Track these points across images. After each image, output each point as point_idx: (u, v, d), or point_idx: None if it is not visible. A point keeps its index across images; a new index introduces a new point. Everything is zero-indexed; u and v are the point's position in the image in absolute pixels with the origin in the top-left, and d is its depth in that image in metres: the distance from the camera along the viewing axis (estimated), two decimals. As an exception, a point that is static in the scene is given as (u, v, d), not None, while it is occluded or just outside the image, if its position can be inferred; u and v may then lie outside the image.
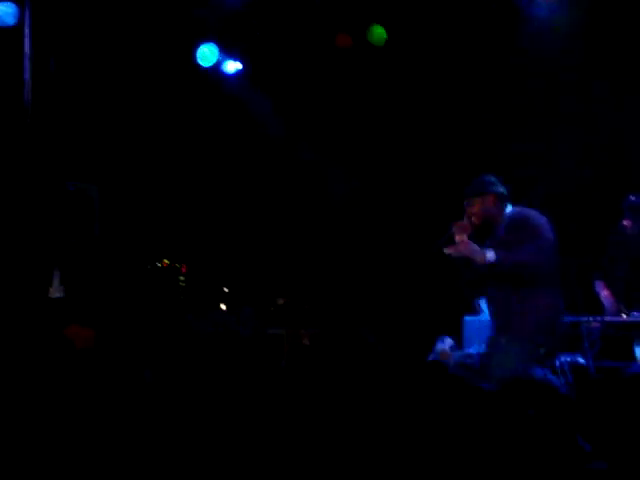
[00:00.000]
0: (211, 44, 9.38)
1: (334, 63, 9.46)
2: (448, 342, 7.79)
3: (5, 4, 8.83)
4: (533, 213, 5.86)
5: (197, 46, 9.38)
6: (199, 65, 9.47)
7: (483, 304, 7.79)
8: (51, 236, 8.39)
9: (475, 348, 7.61)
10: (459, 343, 7.81)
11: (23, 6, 8.79)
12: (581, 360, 7.17)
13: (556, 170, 8.15)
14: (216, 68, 9.61)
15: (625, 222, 7.11)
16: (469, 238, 5.83)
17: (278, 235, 9.92)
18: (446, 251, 5.89)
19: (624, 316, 7.04)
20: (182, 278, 9.26)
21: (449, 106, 9.25)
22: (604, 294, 7.56)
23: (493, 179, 6.09)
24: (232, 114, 9.86)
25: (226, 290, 9.50)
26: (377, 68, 9.41)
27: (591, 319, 6.70)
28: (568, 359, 7.19)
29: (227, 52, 9.52)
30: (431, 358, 7.80)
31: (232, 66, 9.63)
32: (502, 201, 5.98)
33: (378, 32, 9.11)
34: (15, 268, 8.36)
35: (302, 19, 9.09)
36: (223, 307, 9.31)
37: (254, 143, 10.01)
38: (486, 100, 8.92)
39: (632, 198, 6.90)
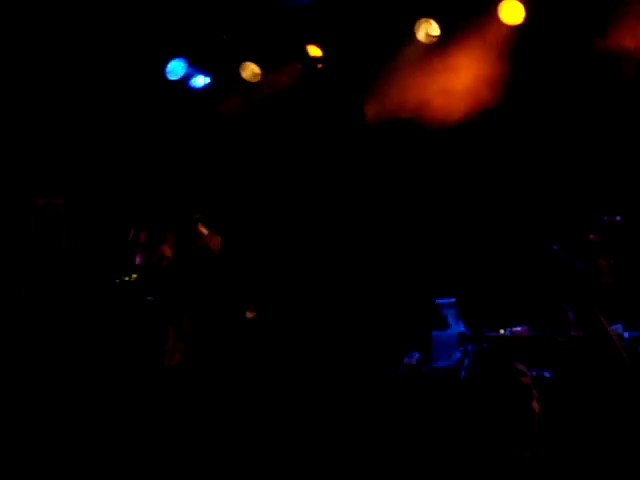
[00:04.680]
0: (179, 58, 9.40)
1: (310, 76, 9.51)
2: (415, 356, 7.84)
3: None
4: None
5: (167, 60, 9.39)
6: (167, 78, 9.47)
7: (451, 318, 7.85)
8: (18, 250, 8.34)
9: (442, 362, 7.66)
10: (427, 357, 7.85)
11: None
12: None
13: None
14: (184, 82, 9.62)
15: None
16: None
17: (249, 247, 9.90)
18: None
19: (501, 331, 7.21)
20: (149, 297, 9.18)
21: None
22: None
23: None
24: (199, 127, 9.86)
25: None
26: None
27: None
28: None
29: (195, 66, 9.53)
30: (399, 372, 7.84)
31: (200, 80, 9.65)
32: None
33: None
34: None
35: (271, 33, 9.11)
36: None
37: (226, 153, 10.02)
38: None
39: None
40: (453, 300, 7.81)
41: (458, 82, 8.63)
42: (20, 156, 8.94)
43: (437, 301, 7.94)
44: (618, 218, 7.21)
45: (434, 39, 8.65)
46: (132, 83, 9.38)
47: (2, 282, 8.05)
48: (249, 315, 8.98)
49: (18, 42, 8.93)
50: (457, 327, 7.75)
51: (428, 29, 8.60)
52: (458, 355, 7.56)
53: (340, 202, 9.54)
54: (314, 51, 9.43)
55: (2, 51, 8.83)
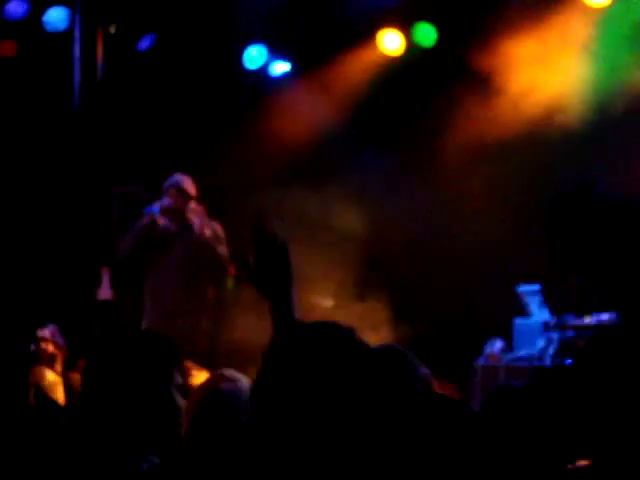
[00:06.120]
0: (259, 46, 9.38)
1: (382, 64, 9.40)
2: (498, 344, 7.70)
3: (56, 9, 8.94)
4: None
5: (245, 48, 9.39)
6: (247, 67, 9.49)
7: (535, 306, 7.68)
8: (99, 239, 8.44)
9: (525, 351, 7.51)
10: (509, 345, 7.72)
11: (73, 11, 8.87)
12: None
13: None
14: (263, 70, 9.61)
15: None
16: None
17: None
18: None
19: (587, 319, 7.08)
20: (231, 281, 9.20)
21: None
22: None
23: None
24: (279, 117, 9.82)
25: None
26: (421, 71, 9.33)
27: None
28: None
29: (275, 54, 9.51)
30: (480, 361, 7.71)
31: (280, 68, 9.62)
32: None
33: (425, 31, 9.02)
34: (64, 270, 8.44)
35: (346, 18, 9.04)
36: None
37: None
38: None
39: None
40: (537, 287, 7.64)
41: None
42: (99, 148, 9.07)
43: (520, 288, 7.79)
44: None
45: None
46: (209, 72, 9.41)
47: (86, 269, 8.19)
48: (327, 303, 8.92)
49: (99, 35, 9.07)
50: (541, 315, 7.58)
51: None
52: (542, 343, 7.40)
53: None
54: (391, 40, 9.33)
55: (86, 46, 8.97)
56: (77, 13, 8.94)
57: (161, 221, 6.94)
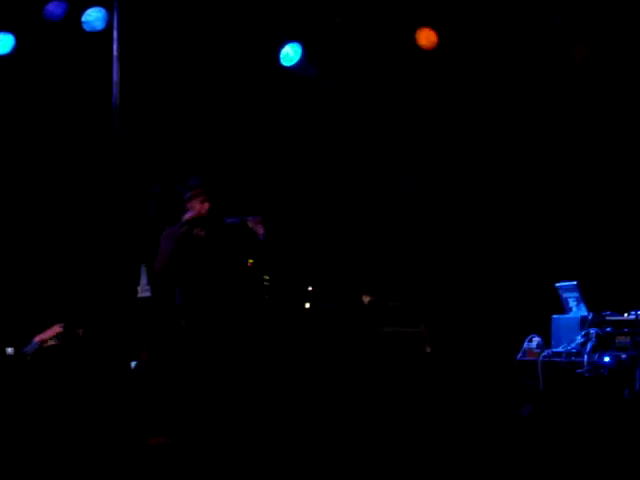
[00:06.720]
0: (295, 44, 9.41)
1: (416, 63, 9.41)
2: (536, 340, 7.70)
3: (95, 9, 9.03)
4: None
5: (281, 46, 9.43)
6: (282, 65, 9.52)
7: (573, 302, 7.67)
8: (138, 236, 8.53)
9: (563, 347, 7.51)
10: (547, 342, 7.72)
11: (112, 10, 8.95)
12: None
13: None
14: (299, 68, 9.64)
15: None
16: None
17: (362, 231, 9.88)
18: None
19: (625, 315, 7.02)
20: (267, 277, 9.27)
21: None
22: None
23: None
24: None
25: (310, 289, 9.50)
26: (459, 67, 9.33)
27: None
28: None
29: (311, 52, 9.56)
30: (519, 356, 7.72)
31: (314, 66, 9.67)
32: None
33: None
34: (103, 268, 8.53)
35: (383, 17, 9.06)
36: (307, 305, 9.30)
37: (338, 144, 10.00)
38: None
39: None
40: (575, 283, 7.63)
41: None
42: (138, 146, 9.16)
43: (558, 284, 7.78)
44: None
45: None
46: (245, 71, 9.47)
47: (127, 263, 8.28)
48: (366, 299, 8.96)
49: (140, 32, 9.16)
50: (578, 311, 7.57)
51: None
52: (580, 339, 7.39)
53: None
54: (428, 36, 9.32)
55: (126, 43, 9.06)
56: (116, 12, 9.01)
57: (194, 230, 6.95)
